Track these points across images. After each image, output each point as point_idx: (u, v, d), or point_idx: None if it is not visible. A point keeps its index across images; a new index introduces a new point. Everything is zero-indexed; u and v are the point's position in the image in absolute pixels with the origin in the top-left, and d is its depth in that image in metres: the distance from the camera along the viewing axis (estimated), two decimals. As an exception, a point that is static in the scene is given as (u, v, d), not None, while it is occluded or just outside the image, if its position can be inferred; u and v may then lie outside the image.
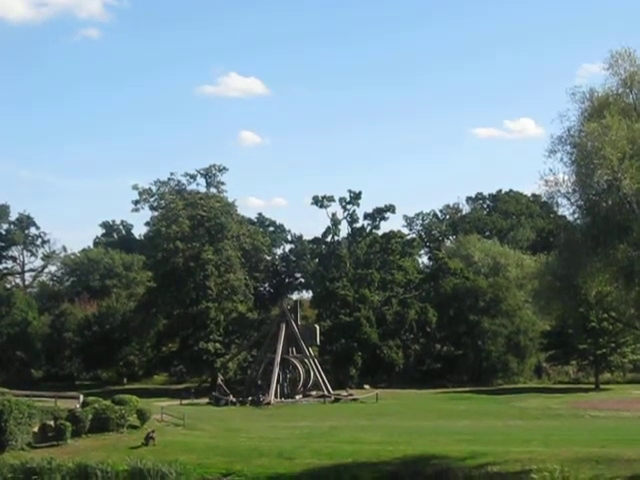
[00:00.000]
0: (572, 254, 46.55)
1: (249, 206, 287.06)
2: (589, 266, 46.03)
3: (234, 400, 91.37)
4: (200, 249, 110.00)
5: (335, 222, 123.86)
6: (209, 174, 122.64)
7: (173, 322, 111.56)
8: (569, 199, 46.74)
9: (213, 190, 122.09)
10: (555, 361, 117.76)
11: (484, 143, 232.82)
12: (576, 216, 48.49)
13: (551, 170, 45.82)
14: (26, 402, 63.02)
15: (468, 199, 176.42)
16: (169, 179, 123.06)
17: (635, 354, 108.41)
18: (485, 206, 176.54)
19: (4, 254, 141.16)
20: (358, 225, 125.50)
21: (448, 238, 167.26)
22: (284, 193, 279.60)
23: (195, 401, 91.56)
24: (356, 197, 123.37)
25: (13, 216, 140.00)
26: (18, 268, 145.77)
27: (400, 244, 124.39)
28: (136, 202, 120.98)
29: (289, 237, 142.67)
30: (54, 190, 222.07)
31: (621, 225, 44.28)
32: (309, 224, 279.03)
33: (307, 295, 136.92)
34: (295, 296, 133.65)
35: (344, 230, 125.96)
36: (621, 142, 42.53)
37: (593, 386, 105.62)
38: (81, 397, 68.81)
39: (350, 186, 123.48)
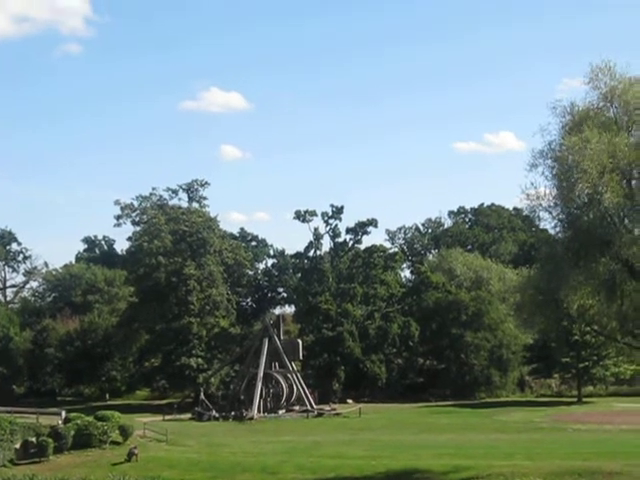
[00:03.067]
0: (554, 268, 46.61)
1: (231, 221, 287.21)
2: (571, 279, 46.09)
3: (217, 415, 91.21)
4: (182, 264, 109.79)
5: (317, 236, 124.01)
6: (191, 189, 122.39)
7: (155, 337, 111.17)
8: (551, 213, 46.83)
9: (195, 205, 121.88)
10: (538, 374, 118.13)
11: (465, 157, 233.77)
12: (558, 230, 48.57)
13: (532, 184, 45.90)
14: (8, 418, 62.83)
15: (450, 213, 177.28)
16: (151, 194, 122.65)
17: (617, 367, 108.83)
18: (467, 220, 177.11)
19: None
20: (340, 239, 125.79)
21: (430, 252, 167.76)
22: (266, 208, 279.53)
23: (178, 416, 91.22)
24: (338, 211, 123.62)
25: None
26: (0, 284, 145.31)
27: (382, 258, 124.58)
28: (118, 217, 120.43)
29: (271, 252, 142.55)
30: (36, 205, 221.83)
31: (602, 239, 44.41)
32: (291, 239, 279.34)
33: (290, 310, 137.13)
34: (277, 311, 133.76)
35: (326, 244, 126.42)
36: (601, 156, 42.64)
37: (576, 399, 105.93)
38: (63, 413, 68.64)
39: (332, 200, 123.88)
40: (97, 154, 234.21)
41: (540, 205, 46.47)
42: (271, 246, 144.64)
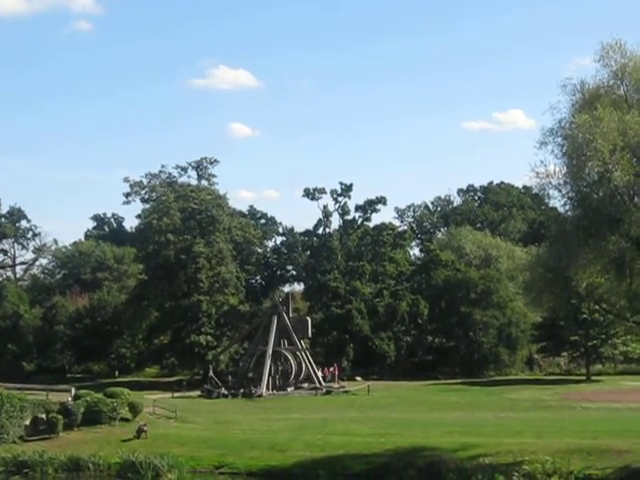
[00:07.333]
0: (563, 246, 46.52)
1: (240, 199, 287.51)
2: (580, 258, 46.04)
3: (226, 393, 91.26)
4: (191, 242, 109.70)
5: (326, 214, 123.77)
6: (200, 166, 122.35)
7: (164, 315, 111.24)
8: (560, 191, 46.77)
9: (204, 182, 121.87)
10: (546, 353, 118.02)
11: (474, 136, 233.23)
12: (567, 208, 48.49)
13: (542, 162, 45.81)
14: (18, 395, 62.98)
15: (459, 191, 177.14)
16: (160, 172, 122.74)
17: (626, 345, 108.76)
18: (476, 198, 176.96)
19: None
20: (349, 217, 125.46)
21: (439, 230, 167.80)
22: (275, 185, 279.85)
23: (187, 394, 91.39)
24: (347, 189, 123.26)
25: (4, 209, 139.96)
26: (9, 261, 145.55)
27: (391, 236, 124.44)
28: (127, 195, 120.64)
29: (280, 229, 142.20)
30: (45, 183, 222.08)
31: (612, 217, 44.31)
32: (300, 216, 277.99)
33: (299, 287, 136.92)
34: (287, 288, 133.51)
35: (335, 222, 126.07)
36: (612, 134, 42.52)
37: (584, 377, 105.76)
38: (73, 390, 68.75)
39: (341, 178, 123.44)
40: (106, 132, 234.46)
41: (550, 183, 46.44)
42: (280, 224, 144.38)
